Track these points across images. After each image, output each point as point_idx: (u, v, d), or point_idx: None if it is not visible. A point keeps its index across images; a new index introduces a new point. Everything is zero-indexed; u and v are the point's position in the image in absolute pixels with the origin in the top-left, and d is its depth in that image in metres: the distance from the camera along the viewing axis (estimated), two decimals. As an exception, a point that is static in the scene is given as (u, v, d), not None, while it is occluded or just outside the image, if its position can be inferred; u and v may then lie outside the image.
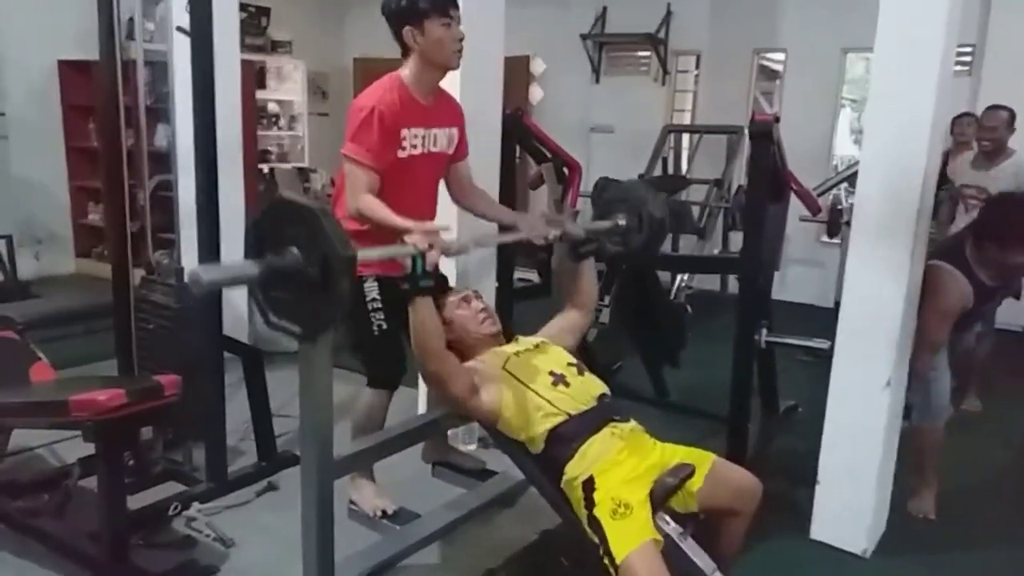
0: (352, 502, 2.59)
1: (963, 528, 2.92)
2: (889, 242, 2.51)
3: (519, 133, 3.64)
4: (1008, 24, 5.44)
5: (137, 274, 3.13)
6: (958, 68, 5.61)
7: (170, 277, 3.01)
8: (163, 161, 3.69)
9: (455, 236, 2.50)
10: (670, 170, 6.47)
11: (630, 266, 3.69)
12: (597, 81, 7.27)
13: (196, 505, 2.65)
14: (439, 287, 2.05)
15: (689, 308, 4.96)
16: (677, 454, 2.04)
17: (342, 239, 1.52)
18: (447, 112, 2.50)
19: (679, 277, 5.27)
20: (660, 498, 1.91)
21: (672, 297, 4.95)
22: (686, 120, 7.03)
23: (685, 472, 1.92)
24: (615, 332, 4.43)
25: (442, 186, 2.63)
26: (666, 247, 5.96)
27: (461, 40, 2.34)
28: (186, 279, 1.45)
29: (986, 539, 2.87)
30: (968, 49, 5.57)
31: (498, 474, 2.82)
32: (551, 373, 2.11)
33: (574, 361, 2.22)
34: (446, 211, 2.68)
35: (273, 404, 3.08)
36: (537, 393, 2.05)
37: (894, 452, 2.77)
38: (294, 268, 1.55)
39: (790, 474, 3.06)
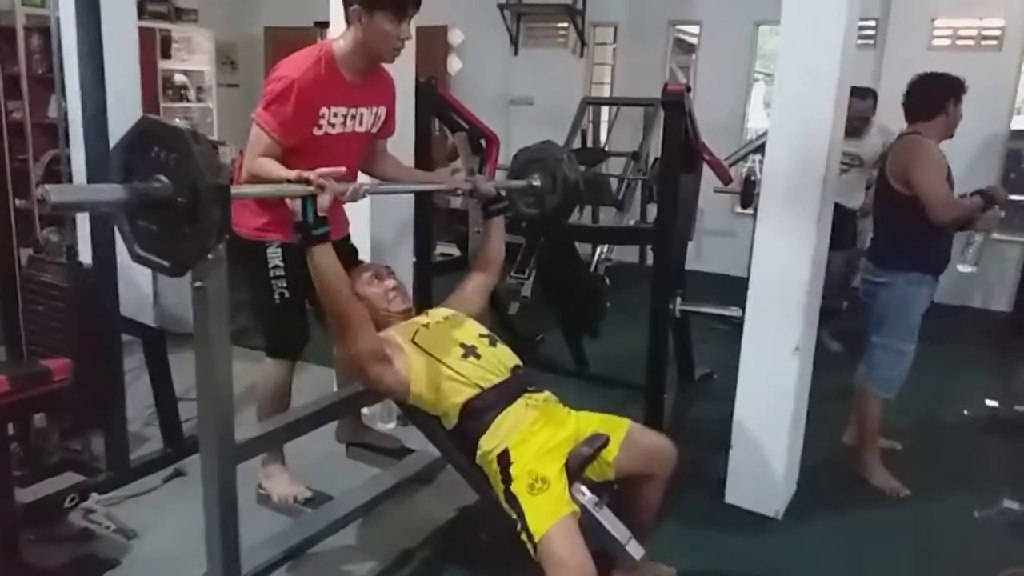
0: (260, 487, 2.50)
1: (868, 488, 3.03)
2: (796, 211, 2.56)
3: (434, 103, 3.54)
4: (910, -2, 5.61)
5: (26, 254, 2.93)
6: (862, 42, 5.82)
7: (60, 255, 2.82)
8: (57, 134, 3.46)
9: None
10: (589, 143, 6.46)
11: (549, 239, 3.67)
12: (516, 53, 7.20)
13: (95, 496, 2.51)
14: (350, 260, 1.98)
15: (608, 280, 4.98)
16: (592, 423, 2.04)
17: (214, 166, 1.41)
18: (376, 91, 2.39)
19: (599, 249, 5.29)
20: (576, 469, 1.90)
21: (592, 269, 4.97)
22: (605, 92, 7.04)
23: (600, 442, 1.91)
24: (536, 304, 4.43)
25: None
26: (586, 219, 6.04)
27: (404, 40, 2.23)
28: (38, 197, 1.31)
29: (888, 496, 2.98)
30: (872, 23, 5.74)
31: (415, 452, 2.77)
32: (462, 345, 2.07)
33: (485, 332, 2.18)
34: (359, 206, 2.58)
35: (180, 387, 2.95)
36: (448, 366, 2.01)
37: (803, 417, 2.85)
38: (162, 196, 1.43)
39: (706, 440, 3.11)
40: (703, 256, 5.98)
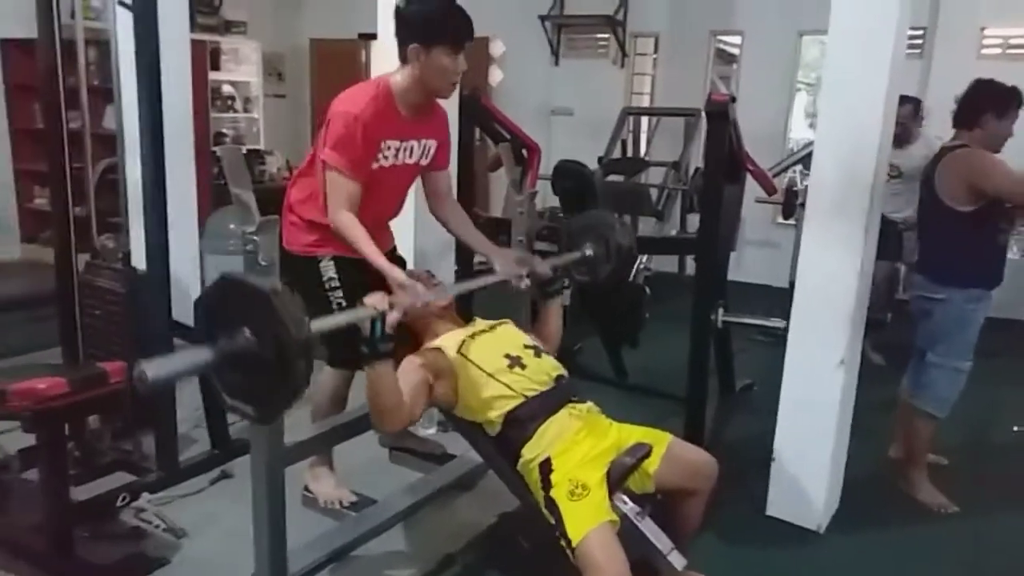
0: (307, 489, 2.55)
1: (913, 503, 2.98)
2: (843, 221, 2.53)
3: (477, 114, 3.59)
4: (958, 7, 5.52)
5: (83, 259, 3.03)
6: (908, 51, 5.73)
7: (116, 261, 2.91)
8: (112, 143, 3.57)
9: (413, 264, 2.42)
10: (629, 152, 6.46)
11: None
12: (556, 63, 7.23)
13: (146, 495, 2.58)
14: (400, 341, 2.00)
15: (648, 290, 4.96)
16: (634, 435, 2.04)
17: (296, 319, 1.41)
18: (429, 126, 2.38)
19: (638, 259, 5.27)
20: (617, 479, 1.91)
21: (631, 279, 4.96)
22: (645, 103, 7.04)
23: (642, 452, 1.92)
24: (576, 314, 4.43)
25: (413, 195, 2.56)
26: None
27: (461, 72, 2.24)
28: (133, 378, 1.34)
29: (935, 513, 2.92)
30: (919, 32, 5.65)
31: (457, 458, 2.80)
32: (507, 356, 2.09)
33: (531, 343, 2.20)
34: (403, 218, 2.63)
35: (227, 391, 3.02)
36: (493, 376, 2.03)
37: (847, 430, 2.81)
38: (247, 351, 1.44)
39: (746, 452, 3.09)
40: (744, 267, 5.92)
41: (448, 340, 2.15)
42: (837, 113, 2.52)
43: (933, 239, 2.97)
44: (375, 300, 1.78)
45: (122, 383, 2.22)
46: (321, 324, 1.61)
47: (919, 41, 5.68)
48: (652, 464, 1.96)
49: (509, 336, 2.19)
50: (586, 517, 1.80)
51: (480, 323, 2.26)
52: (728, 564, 2.46)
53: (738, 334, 3.79)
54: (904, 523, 2.84)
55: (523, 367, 2.07)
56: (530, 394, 2.02)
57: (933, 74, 5.50)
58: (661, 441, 2.03)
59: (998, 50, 5.44)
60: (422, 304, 1.95)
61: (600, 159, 6.02)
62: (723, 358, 3.67)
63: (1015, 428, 3.68)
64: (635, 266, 5.13)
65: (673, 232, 5.60)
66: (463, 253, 3.55)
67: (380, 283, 2.17)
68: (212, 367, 1.48)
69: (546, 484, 1.89)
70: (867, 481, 3.07)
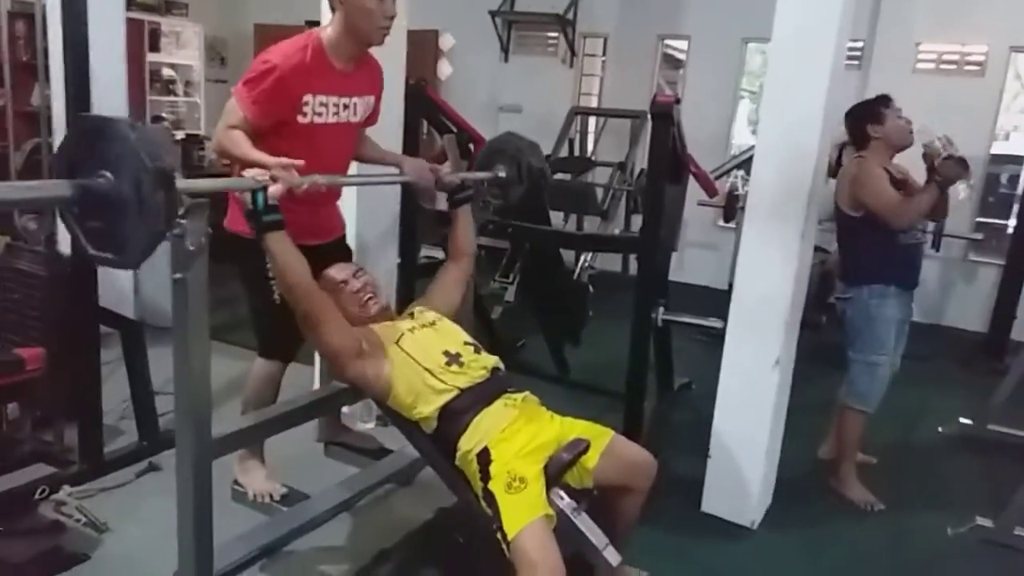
0: (237, 483, 2.48)
1: (842, 501, 3.05)
2: (781, 225, 2.58)
3: (423, 105, 3.55)
4: (895, 23, 5.70)
5: (3, 241, 2.89)
6: (848, 63, 5.89)
7: (38, 244, 2.79)
8: (39, 122, 3.42)
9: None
10: (576, 152, 6.49)
11: (534, 245, 3.68)
12: (506, 60, 7.22)
13: (66, 488, 2.47)
14: (346, 261, 1.95)
15: (591, 287, 5.00)
16: (575, 429, 2.04)
17: (155, 151, 1.36)
18: (367, 79, 2.39)
19: (583, 257, 5.30)
20: (555, 473, 1.90)
21: (576, 276, 4.98)
22: (593, 103, 7.08)
23: (580, 448, 1.92)
24: (519, 310, 4.43)
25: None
26: (571, 227, 6.06)
27: (391, 18, 2.21)
28: None
29: (863, 510, 3.00)
30: (858, 45, 5.82)
31: (394, 453, 2.76)
32: (446, 352, 2.06)
33: (471, 340, 2.18)
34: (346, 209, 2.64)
35: (159, 381, 2.91)
36: (430, 372, 2.00)
37: (781, 429, 2.87)
38: (106, 190, 1.38)
39: (683, 449, 3.13)
40: (685, 268, 6.01)
41: (386, 329, 2.12)
42: (777, 119, 2.57)
43: (841, 243, 3.19)
44: (254, 172, 1.83)
45: (39, 370, 2.12)
46: (197, 185, 1.59)
47: (857, 54, 5.85)
48: (591, 460, 1.96)
49: (449, 332, 2.17)
50: (522, 511, 1.79)
51: (420, 317, 2.22)
52: (662, 559, 2.48)
53: (678, 333, 3.83)
54: (833, 521, 2.91)
55: (461, 364, 2.05)
56: (464, 387, 2.00)
57: (870, 87, 5.65)
58: (602, 437, 2.03)
59: (932, 65, 5.63)
60: (308, 185, 1.92)
61: (548, 157, 6.01)
62: (662, 356, 3.71)
63: (940, 429, 3.82)
64: (580, 264, 5.18)
65: (617, 231, 5.64)
66: (407, 243, 3.51)
67: (322, 267, 2.13)
68: (68, 203, 1.41)
69: (485, 475, 1.87)
70: (799, 479, 3.14)
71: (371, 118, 2.49)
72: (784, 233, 2.57)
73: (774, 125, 2.59)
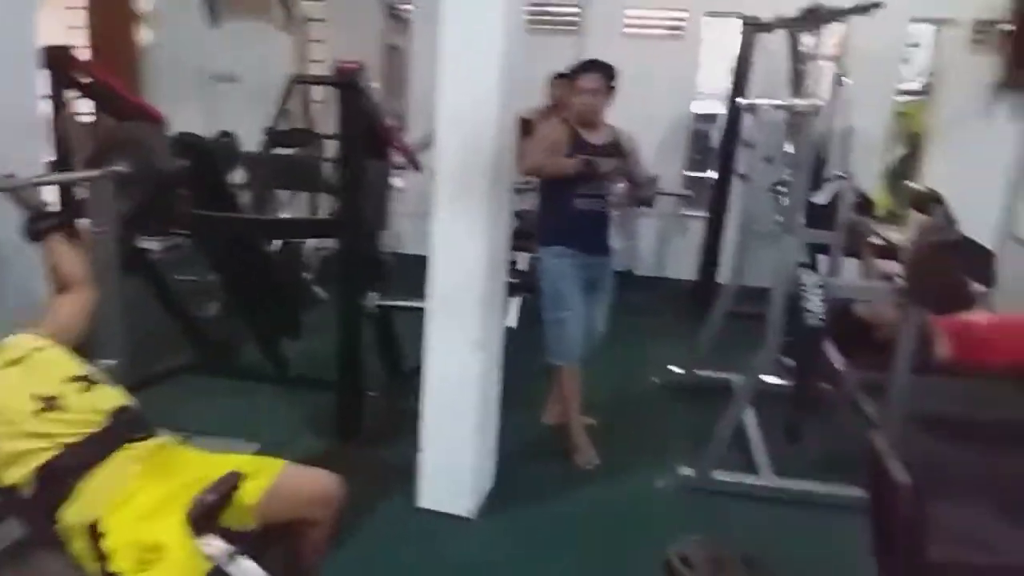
0: None
1: (567, 466, 3.07)
2: (469, 199, 2.45)
3: (66, 76, 2.96)
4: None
5: None
6: (567, 29, 6.02)
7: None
8: None
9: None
10: (309, 125, 6.07)
11: (228, 238, 3.28)
12: (216, 24, 6.54)
13: None
14: None
15: (309, 274, 4.68)
16: (227, 465, 1.73)
17: None
18: None
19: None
20: (201, 518, 1.61)
21: (290, 266, 4.58)
22: (323, 71, 6.64)
23: (227, 486, 1.63)
24: (227, 311, 4.01)
25: None
26: (301, 208, 5.65)
27: None
28: None
29: (586, 483, 3.00)
30: (576, 10, 5.95)
31: None
32: (38, 397, 1.64)
33: (81, 373, 1.75)
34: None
35: None
36: (16, 424, 1.60)
37: (494, 409, 2.80)
38: None
39: (407, 441, 2.94)
40: (422, 240, 5.87)
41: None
42: (455, 87, 2.41)
43: None
44: None
45: None
46: None
47: (576, 19, 5.99)
48: (250, 498, 1.68)
49: (46, 367, 1.73)
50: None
51: (9, 347, 1.75)
52: (377, 565, 2.32)
53: (415, 314, 3.65)
54: (552, 491, 2.90)
55: (62, 408, 1.65)
56: (71, 440, 1.61)
57: (587, 50, 5.80)
58: (268, 471, 1.75)
59: (638, 30, 5.88)
60: None
61: (268, 130, 5.57)
62: (386, 342, 3.51)
63: (655, 379, 4.00)
64: (299, 251, 4.81)
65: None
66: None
67: None
68: None
69: (100, 554, 1.52)
70: (527, 451, 3.14)
71: None
72: (472, 207, 2.45)
73: (452, 93, 2.42)
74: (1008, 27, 5.24)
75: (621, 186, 3.34)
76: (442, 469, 2.65)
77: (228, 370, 3.67)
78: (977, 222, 3.32)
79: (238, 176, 4.85)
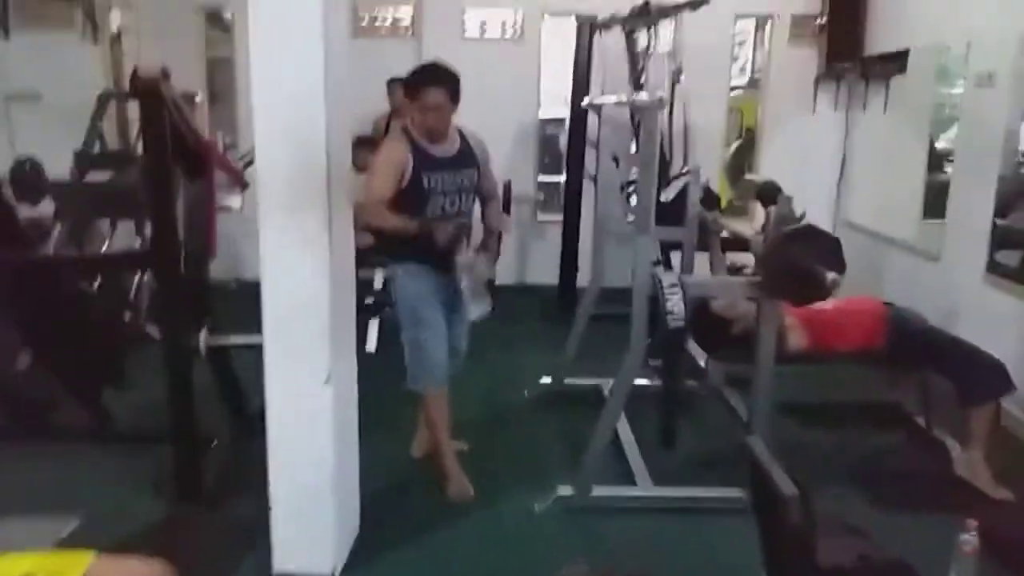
0: None
1: (439, 501, 2.83)
2: (303, 217, 2.17)
3: None
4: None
5: None
6: (402, 33, 5.78)
7: None
8: None
9: None
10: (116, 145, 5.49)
11: (19, 282, 2.80)
12: (6, 37, 5.79)
13: None
14: None
15: (133, 312, 4.16)
16: (23, 566, 1.40)
17: None
18: None
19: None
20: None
21: (115, 311, 4.02)
22: (141, 85, 6.06)
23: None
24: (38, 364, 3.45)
25: None
26: (128, 238, 5.06)
27: None
28: None
29: (462, 515, 2.76)
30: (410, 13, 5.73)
31: None
32: None
33: None
34: None
35: None
36: None
37: (354, 451, 2.52)
38: None
39: (262, 492, 2.55)
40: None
41: None
42: (274, 97, 2.13)
43: None
44: None
45: None
46: None
47: (411, 23, 5.76)
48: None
49: None
50: None
51: None
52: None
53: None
54: (425, 531, 2.64)
55: None
56: None
57: (424, 55, 5.59)
58: (73, 568, 1.43)
59: (477, 32, 5.72)
60: None
61: (78, 152, 5.00)
62: (225, 382, 3.13)
63: (526, 393, 3.84)
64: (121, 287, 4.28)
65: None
66: None
67: None
68: None
69: None
70: (397, 488, 2.90)
71: None
72: (307, 226, 2.16)
73: (271, 103, 2.13)
74: (823, 21, 5.53)
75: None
76: (298, 524, 2.33)
77: (41, 431, 3.16)
78: (812, 209, 3.37)
79: (46, 207, 4.32)
